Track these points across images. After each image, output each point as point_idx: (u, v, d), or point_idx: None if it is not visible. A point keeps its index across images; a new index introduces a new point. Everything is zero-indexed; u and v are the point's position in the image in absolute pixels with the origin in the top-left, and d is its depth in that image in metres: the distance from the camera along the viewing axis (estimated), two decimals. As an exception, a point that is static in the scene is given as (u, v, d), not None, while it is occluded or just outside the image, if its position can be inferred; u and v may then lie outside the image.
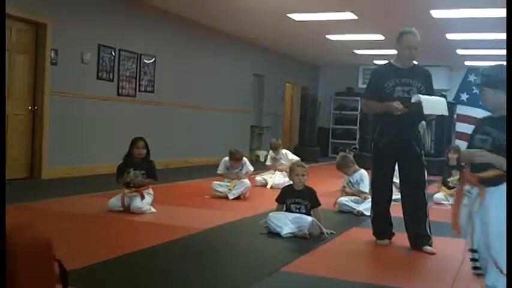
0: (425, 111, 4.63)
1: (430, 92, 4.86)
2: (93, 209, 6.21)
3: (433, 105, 4.73)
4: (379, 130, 5.00)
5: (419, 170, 4.99)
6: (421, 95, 4.68)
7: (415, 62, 5.06)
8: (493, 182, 3.04)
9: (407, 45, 4.86)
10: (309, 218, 5.19)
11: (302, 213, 5.26)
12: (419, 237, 4.85)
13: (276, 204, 5.55)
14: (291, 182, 9.04)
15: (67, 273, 2.58)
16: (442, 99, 4.90)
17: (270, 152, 9.67)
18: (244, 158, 8.00)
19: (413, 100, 4.69)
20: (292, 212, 5.30)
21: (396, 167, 5.09)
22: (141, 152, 6.28)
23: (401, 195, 5.06)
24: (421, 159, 4.96)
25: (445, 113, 4.79)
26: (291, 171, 5.47)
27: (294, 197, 5.36)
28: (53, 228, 4.52)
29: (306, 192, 5.39)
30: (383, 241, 5.07)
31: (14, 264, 2.35)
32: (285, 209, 5.42)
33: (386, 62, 5.20)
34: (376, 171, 5.13)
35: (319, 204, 5.42)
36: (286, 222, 5.18)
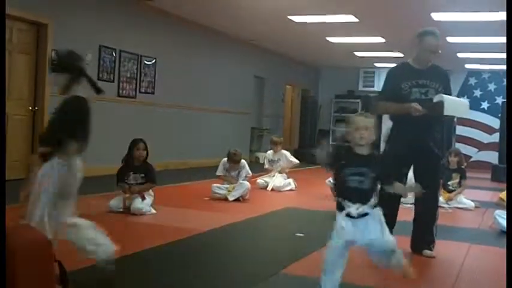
0: (446, 112, 4.54)
1: (447, 93, 4.74)
2: (94, 210, 6.20)
3: (455, 106, 4.63)
4: (396, 132, 4.88)
5: (435, 173, 4.88)
6: (444, 95, 4.58)
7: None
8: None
9: (429, 48, 4.74)
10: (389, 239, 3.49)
11: (365, 190, 3.37)
12: (423, 241, 4.81)
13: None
14: (291, 185, 9.12)
15: (67, 273, 2.57)
16: (465, 100, 4.80)
17: (268, 153, 9.64)
18: (244, 161, 7.98)
19: (435, 100, 4.59)
20: (349, 187, 3.37)
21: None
22: (141, 154, 6.29)
23: (414, 197, 4.96)
24: (438, 162, 4.89)
25: (467, 115, 4.74)
26: (348, 125, 3.53)
27: (353, 165, 3.38)
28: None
29: (373, 158, 3.47)
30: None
31: (14, 264, 2.35)
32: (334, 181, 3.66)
33: (403, 62, 5.03)
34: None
35: (390, 179, 3.53)
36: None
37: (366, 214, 3.39)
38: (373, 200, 3.42)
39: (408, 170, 4.90)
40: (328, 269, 3.50)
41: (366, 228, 3.39)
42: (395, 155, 4.82)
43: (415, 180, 4.93)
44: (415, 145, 4.76)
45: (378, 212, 3.46)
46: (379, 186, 3.50)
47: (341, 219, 3.40)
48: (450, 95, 4.77)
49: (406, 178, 4.91)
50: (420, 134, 4.74)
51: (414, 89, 4.71)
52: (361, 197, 3.39)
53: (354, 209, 3.37)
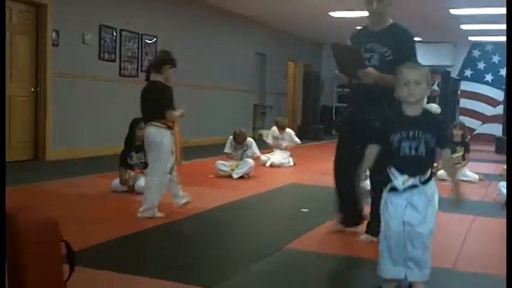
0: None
1: (402, 60, 3.49)
2: (97, 190, 6.23)
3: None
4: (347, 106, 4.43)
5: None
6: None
7: (391, 21, 4.27)
8: None
9: None
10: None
11: (420, 158, 2.99)
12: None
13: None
14: (291, 163, 9.12)
15: (74, 253, 2.59)
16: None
17: (273, 129, 9.61)
18: (251, 140, 8.00)
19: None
20: (404, 155, 2.99)
21: None
22: (143, 133, 6.28)
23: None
24: None
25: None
26: (397, 79, 3.10)
27: (405, 129, 3.00)
28: (57, 209, 4.53)
29: (426, 119, 3.07)
30: (350, 228, 4.48)
31: (21, 245, 2.36)
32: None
33: (364, 25, 4.42)
34: (336, 152, 4.47)
35: (448, 142, 3.24)
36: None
37: (413, 187, 2.99)
38: (428, 173, 3.02)
39: (356, 147, 3.96)
40: (386, 258, 3.07)
41: (408, 204, 3.00)
42: (339, 130, 4.40)
43: None
44: (355, 119, 4.24)
45: (431, 187, 3.03)
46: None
47: (388, 197, 3.04)
48: (407, 59, 3.58)
49: (355, 155, 3.95)
50: (359, 105, 4.21)
51: (364, 54, 4.11)
52: (414, 167, 2.99)
53: (400, 181, 2.99)
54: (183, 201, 5.21)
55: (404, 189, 2.99)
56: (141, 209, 4.87)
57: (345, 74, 4.21)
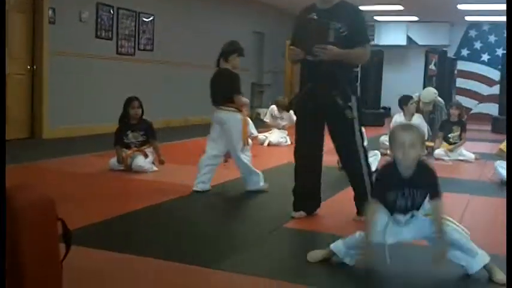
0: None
1: (356, 35, 4.04)
2: (95, 169, 6.23)
3: None
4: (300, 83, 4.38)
5: (348, 135, 4.11)
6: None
7: None
8: None
9: None
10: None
11: (417, 204, 3.17)
12: (357, 207, 4.33)
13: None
14: (288, 142, 9.09)
15: (70, 232, 2.59)
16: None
17: (272, 107, 9.58)
18: (248, 120, 7.97)
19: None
20: (400, 208, 3.14)
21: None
22: (137, 112, 6.28)
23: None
24: (350, 122, 4.07)
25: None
26: (391, 140, 3.12)
27: (400, 188, 3.09)
28: (55, 188, 4.54)
29: (420, 177, 3.11)
30: (298, 213, 4.38)
31: (16, 223, 2.36)
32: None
33: (311, 4, 4.32)
34: (296, 133, 4.49)
35: (439, 195, 3.17)
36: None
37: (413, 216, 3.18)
38: (427, 207, 3.20)
39: (317, 127, 4.27)
40: (345, 249, 3.29)
41: (414, 228, 3.19)
42: (298, 111, 4.41)
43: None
44: (315, 99, 4.13)
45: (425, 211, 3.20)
46: None
47: (383, 220, 3.14)
48: (361, 37, 4.12)
49: (318, 136, 4.33)
50: (318, 84, 4.11)
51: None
52: (412, 209, 3.16)
53: (402, 217, 3.16)
54: None
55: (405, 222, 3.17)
56: (257, 184, 5.30)
57: (302, 49, 4.11)
